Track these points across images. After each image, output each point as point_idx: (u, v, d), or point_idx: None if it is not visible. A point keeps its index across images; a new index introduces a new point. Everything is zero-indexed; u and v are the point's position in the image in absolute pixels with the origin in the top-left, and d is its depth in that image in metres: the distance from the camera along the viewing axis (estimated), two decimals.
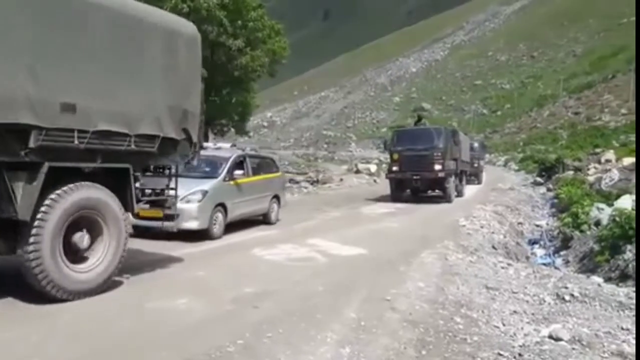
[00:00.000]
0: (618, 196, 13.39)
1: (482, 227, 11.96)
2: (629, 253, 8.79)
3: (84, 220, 5.36)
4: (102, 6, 5.38)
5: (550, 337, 4.86)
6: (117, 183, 5.74)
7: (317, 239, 9.49)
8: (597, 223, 11.57)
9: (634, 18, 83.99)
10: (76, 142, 5.07)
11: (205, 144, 11.43)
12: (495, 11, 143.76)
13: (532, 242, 13.01)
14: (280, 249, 8.53)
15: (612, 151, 28.25)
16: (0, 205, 4.75)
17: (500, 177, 30.41)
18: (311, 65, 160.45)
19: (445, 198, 17.73)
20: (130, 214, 6.15)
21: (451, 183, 17.70)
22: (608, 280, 8.34)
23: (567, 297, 6.19)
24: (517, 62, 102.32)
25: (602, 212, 11.89)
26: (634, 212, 9.96)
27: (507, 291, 6.36)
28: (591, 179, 19.65)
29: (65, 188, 5.10)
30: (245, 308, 5.22)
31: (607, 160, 24.76)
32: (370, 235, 10.57)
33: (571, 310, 5.76)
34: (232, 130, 28.03)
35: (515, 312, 5.62)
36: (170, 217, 8.14)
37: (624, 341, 4.89)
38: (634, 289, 7.19)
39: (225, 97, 25.50)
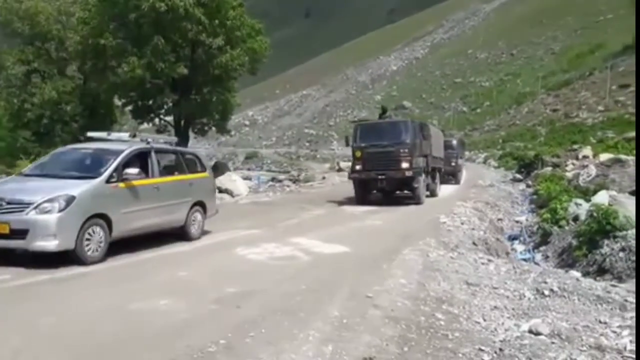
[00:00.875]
0: (595, 192, 13.57)
1: (462, 223, 12.05)
2: (606, 248, 8.93)
3: None
4: None
5: (530, 331, 4.92)
6: None
7: (300, 238, 9.48)
8: (576, 218, 11.73)
9: (611, 15, 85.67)
10: None
11: (92, 134, 9.65)
12: (475, 9, 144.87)
13: (512, 238, 13.12)
14: (263, 248, 8.50)
15: (589, 147, 28.69)
16: None
17: (480, 174, 30.62)
18: (293, 63, 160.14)
19: (414, 199, 16.08)
20: None
21: (421, 182, 16.04)
22: (586, 274, 8.46)
23: (546, 292, 6.27)
24: (496, 60, 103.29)
25: (580, 208, 12.04)
26: (611, 207, 10.13)
27: (488, 287, 6.42)
28: (569, 175, 19.90)
29: None
30: (228, 308, 5.20)
31: (585, 157, 25.09)
32: (353, 233, 10.61)
33: (550, 305, 5.83)
34: (214, 129, 27.92)
35: (495, 307, 5.68)
36: (19, 233, 6.60)
37: (602, 334, 4.97)
38: (612, 282, 7.33)
39: (206, 96, 25.44)
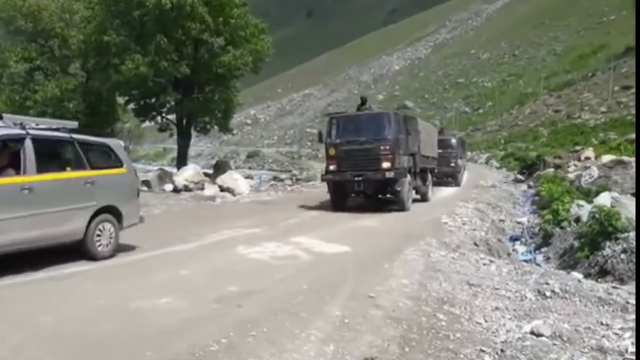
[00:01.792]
0: (597, 193, 13.56)
1: (464, 224, 12.03)
2: (608, 249, 8.93)
3: None
4: None
5: (532, 333, 4.92)
6: None
7: (301, 237, 9.48)
8: (577, 220, 11.73)
9: (613, 17, 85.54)
10: None
11: None
12: (478, 9, 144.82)
13: (514, 239, 13.12)
14: (264, 247, 8.50)
15: (591, 148, 28.62)
16: None
17: (482, 175, 30.56)
18: (295, 63, 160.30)
19: (397, 204, 14.06)
20: None
21: (405, 185, 13.89)
22: (588, 276, 8.46)
23: (548, 293, 6.26)
24: (498, 61, 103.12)
25: (582, 209, 12.05)
26: (613, 208, 10.13)
27: (489, 288, 6.41)
28: (571, 176, 19.89)
29: None
30: (229, 307, 5.20)
31: (587, 158, 25.04)
32: (354, 232, 10.60)
33: (552, 306, 5.83)
34: (216, 127, 27.94)
35: (497, 308, 5.67)
36: None
37: (603, 336, 4.96)
38: (614, 284, 7.31)
39: (209, 95, 25.49)
